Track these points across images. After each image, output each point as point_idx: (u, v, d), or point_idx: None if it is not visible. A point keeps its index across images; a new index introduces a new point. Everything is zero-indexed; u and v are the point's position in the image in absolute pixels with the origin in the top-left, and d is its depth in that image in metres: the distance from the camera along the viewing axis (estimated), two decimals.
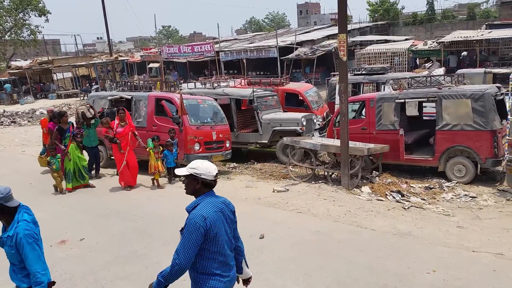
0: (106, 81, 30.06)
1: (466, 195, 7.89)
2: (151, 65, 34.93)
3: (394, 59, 23.22)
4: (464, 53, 24.48)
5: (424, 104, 10.63)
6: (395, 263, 5.04)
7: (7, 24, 32.87)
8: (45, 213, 7.25)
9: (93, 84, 29.53)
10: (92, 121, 9.56)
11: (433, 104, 10.38)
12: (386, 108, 9.41)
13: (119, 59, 32.45)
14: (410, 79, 9.64)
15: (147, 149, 8.81)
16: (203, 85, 13.07)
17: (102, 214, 7.22)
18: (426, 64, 22.52)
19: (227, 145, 10.33)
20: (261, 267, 5.03)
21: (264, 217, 6.79)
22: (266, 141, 11.63)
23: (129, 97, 10.10)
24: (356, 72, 14.07)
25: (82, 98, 28.00)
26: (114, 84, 25.38)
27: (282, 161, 11.18)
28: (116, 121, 8.87)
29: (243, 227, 6.28)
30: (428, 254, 5.27)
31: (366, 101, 9.77)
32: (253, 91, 11.64)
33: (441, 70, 19.31)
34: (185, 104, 9.37)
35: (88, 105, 9.75)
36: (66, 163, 8.52)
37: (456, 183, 8.61)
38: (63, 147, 8.55)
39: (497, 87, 9.07)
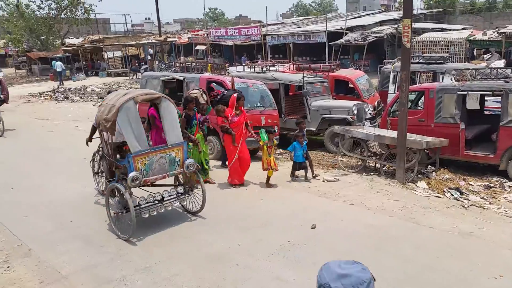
0: (155, 62, 30.60)
1: None
2: (198, 47, 35.21)
3: (449, 48, 22.07)
4: None
5: (486, 98, 10.02)
6: (457, 264, 4.77)
7: (63, 2, 34.07)
8: (98, 189, 7.50)
9: (142, 63, 30.16)
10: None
11: (497, 98, 9.79)
12: (447, 100, 8.90)
13: (168, 40, 32.88)
14: (473, 71, 9.05)
15: (260, 143, 7.76)
16: (251, 69, 12.96)
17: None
18: (485, 56, 21.22)
19: (275, 130, 10.20)
20: (315, 258, 4.91)
21: (314, 206, 6.65)
22: (314, 129, 11.40)
23: (181, 78, 10.16)
24: (412, 60, 13.41)
25: (131, 77, 28.71)
26: (164, 65, 25.86)
27: (329, 150, 10.94)
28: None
29: (293, 215, 6.23)
30: (493, 258, 4.95)
31: (425, 91, 9.29)
32: (304, 77, 11.40)
33: (501, 63, 18.12)
34: (236, 88, 9.29)
35: (201, 90, 8.48)
36: (195, 154, 7.53)
37: None
38: (194, 137, 7.50)
39: None
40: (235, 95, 7.93)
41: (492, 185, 8.13)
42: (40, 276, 4.64)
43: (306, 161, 8.18)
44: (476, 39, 22.24)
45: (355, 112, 10.86)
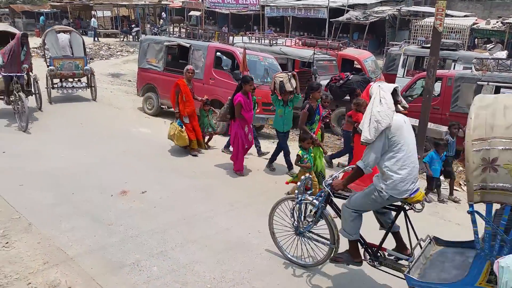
0: (146, 25, 29.34)
1: None
2: (191, 13, 33.94)
3: (449, 36, 21.72)
4: None
5: (502, 90, 9.78)
6: None
7: None
8: (99, 159, 6.99)
9: (133, 26, 28.85)
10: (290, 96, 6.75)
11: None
12: (465, 88, 8.62)
13: (162, 3, 31.48)
14: (497, 61, 8.75)
15: None
16: (257, 40, 12.35)
17: (159, 166, 6.88)
18: (488, 45, 20.99)
19: None
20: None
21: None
22: None
23: (187, 45, 9.51)
24: (424, 45, 13.04)
25: (121, 39, 27.49)
26: (156, 29, 24.60)
27: (336, 132, 10.58)
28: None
29: None
30: None
31: (443, 78, 8.95)
32: (314, 53, 10.89)
33: (503, 54, 17.92)
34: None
35: (290, 73, 6.72)
36: (319, 156, 6.06)
37: None
38: (315, 137, 5.95)
39: None
40: (372, 83, 6.36)
41: None
42: (43, 255, 4.18)
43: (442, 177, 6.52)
44: (479, 27, 21.96)
45: None
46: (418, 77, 9.51)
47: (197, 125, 7.72)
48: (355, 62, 13.29)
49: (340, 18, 24.29)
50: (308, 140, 5.78)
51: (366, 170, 3.44)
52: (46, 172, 6.24)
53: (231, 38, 11.36)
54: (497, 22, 21.96)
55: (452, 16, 25.49)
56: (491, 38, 22.18)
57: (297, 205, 4.07)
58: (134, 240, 4.56)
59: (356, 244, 3.78)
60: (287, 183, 5.68)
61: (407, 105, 3.77)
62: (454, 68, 11.48)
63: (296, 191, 4.09)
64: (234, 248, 4.53)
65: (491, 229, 2.85)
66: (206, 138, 8.14)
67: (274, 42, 11.90)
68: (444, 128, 8.11)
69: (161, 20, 32.19)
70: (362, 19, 23.80)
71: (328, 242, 3.99)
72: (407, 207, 3.51)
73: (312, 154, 5.87)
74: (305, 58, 11.10)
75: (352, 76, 7.49)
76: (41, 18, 27.64)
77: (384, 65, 14.91)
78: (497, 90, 9.81)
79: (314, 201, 3.99)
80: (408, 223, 3.60)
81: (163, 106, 10.36)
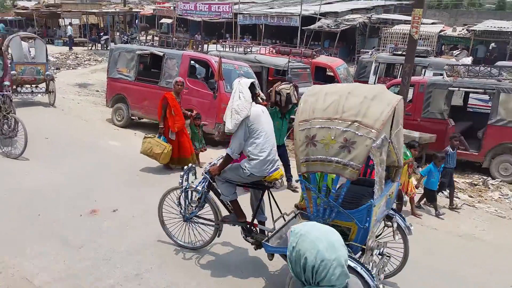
0: (115, 33, 28.73)
1: None
2: (163, 20, 33.53)
3: (418, 42, 22.27)
4: (493, 44, 23.55)
5: (470, 95, 10.04)
6: (472, 271, 4.55)
7: None
8: (66, 175, 6.64)
9: (102, 34, 28.21)
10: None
11: (480, 96, 9.87)
12: (437, 95, 8.75)
13: (132, 10, 30.96)
14: (467, 67, 8.95)
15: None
16: (231, 49, 12.24)
17: (130, 181, 6.60)
18: (454, 52, 21.64)
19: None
20: None
21: None
22: None
23: (161, 54, 9.28)
24: (395, 52, 13.26)
25: (89, 47, 26.82)
26: (126, 37, 24.12)
27: None
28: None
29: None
30: (506, 265, 4.77)
31: (415, 85, 9.07)
32: (289, 61, 10.87)
33: (469, 59, 18.50)
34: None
35: (292, 85, 6.39)
36: None
37: (500, 181, 8.14)
38: None
39: None
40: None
41: (475, 183, 8.13)
42: (6, 287, 3.87)
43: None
44: (446, 34, 22.61)
45: None
46: (391, 83, 9.61)
47: (185, 141, 7.13)
48: (328, 69, 13.42)
49: (312, 26, 24.53)
50: None
51: (233, 156, 4.00)
52: (9, 191, 5.86)
53: (205, 46, 11.21)
54: (462, 29, 22.69)
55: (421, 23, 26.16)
56: (457, 45, 22.89)
57: (183, 193, 4.40)
58: (107, 263, 4.30)
59: (237, 205, 4.26)
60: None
61: (264, 97, 4.41)
62: (424, 75, 11.71)
63: (180, 180, 4.36)
64: (216, 269, 4.33)
65: (315, 195, 3.39)
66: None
67: (248, 50, 11.81)
68: (416, 134, 8.23)
69: (132, 28, 31.68)
70: (333, 27, 24.11)
71: (213, 223, 4.41)
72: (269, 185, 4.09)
73: None
74: (280, 66, 11.07)
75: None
76: (1, 25, 26.68)
77: (356, 72, 15.08)
78: (466, 95, 10.09)
79: (198, 187, 4.31)
80: (272, 199, 4.20)
81: (134, 117, 10.07)
